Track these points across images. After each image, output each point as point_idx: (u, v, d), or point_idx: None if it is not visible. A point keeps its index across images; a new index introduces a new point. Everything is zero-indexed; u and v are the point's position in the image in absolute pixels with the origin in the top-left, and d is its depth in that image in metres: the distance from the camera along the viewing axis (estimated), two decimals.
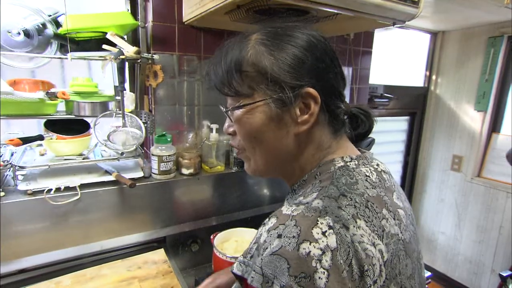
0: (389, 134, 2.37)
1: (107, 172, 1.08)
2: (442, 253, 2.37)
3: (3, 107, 0.89)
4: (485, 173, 2.15)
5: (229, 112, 0.53)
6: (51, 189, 0.94)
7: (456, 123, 2.24)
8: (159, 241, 1.18)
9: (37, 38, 0.94)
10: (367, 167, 0.51)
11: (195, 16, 1.04)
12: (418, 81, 2.40)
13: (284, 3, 0.84)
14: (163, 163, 1.12)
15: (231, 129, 0.57)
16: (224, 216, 1.29)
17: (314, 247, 0.37)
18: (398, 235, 0.45)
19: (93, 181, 1.03)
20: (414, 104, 2.37)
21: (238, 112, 0.52)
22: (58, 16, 1.01)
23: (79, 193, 0.98)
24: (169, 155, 1.12)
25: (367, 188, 0.47)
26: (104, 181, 1.04)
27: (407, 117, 2.42)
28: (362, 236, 0.40)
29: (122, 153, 1.09)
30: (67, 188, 0.97)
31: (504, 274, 1.56)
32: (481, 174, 2.17)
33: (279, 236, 0.39)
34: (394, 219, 0.46)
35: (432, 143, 2.40)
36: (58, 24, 1.00)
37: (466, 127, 2.19)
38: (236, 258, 0.97)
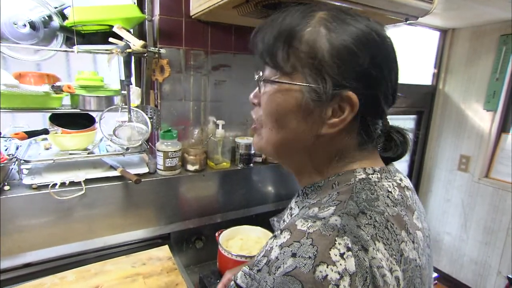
0: None
1: (112, 168, 1.07)
2: (448, 254, 2.35)
3: (8, 100, 0.88)
4: (493, 173, 2.12)
5: (261, 82, 0.49)
6: (56, 184, 0.93)
7: (465, 123, 2.21)
8: (163, 237, 1.17)
9: (43, 31, 0.93)
10: (389, 181, 0.47)
11: (202, 10, 1.02)
12: (426, 79, 2.36)
13: None
14: (168, 159, 1.11)
15: (256, 100, 0.53)
16: (229, 213, 1.27)
17: (332, 271, 0.34)
18: (416, 260, 0.42)
19: (98, 176, 1.02)
20: (421, 103, 2.34)
21: (270, 86, 0.47)
22: (64, 8, 0.99)
23: (84, 188, 0.97)
24: (174, 151, 1.11)
25: (388, 206, 0.43)
26: (109, 177, 1.03)
27: (414, 116, 2.39)
28: (380, 261, 0.37)
29: (127, 148, 1.08)
30: (72, 183, 0.96)
31: None
32: (489, 175, 2.14)
33: (294, 255, 0.36)
34: (413, 242, 0.43)
35: (439, 142, 2.37)
36: (64, 17, 0.99)
37: (474, 126, 2.16)
38: (241, 256, 0.97)
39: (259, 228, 1.13)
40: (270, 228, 1.12)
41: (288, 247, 0.37)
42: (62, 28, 0.96)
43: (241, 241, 1.10)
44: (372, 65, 0.43)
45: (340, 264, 0.34)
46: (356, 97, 0.43)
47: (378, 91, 0.45)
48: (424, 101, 2.35)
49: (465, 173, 2.21)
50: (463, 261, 2.25)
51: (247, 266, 0.40)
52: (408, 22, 1.04)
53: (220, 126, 1.23)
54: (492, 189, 2.08)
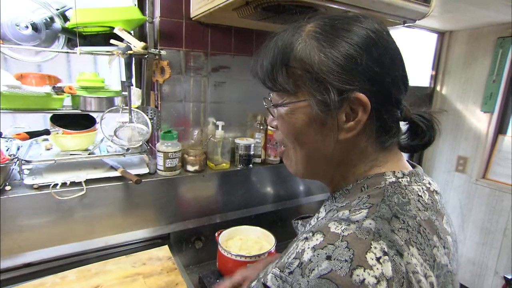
0: None
1: (112, 168, 1.08)
2: None
3: (10, 101, 0.89)
4: (491, 174, 2.14)
5: (271, 108, 0.50)
6: (57, 184, 0.94)
7: (462, 124, 2.22)
8: (163, 237, 1.18)
9: (45, 32, 0.94)
10: (419, 185, 0.47)
11: (203, 12, 1.03)
12: (423, 81, 2.38)
13: (293, 0, 0.83)
14: (168, 160, 1.12)
15: (274, 123, 0.53)
16: (228, 214, 1.28)
17: (369, 275, 0.34)
18: (447, 266, 0.42)
19: (99, 176, 1.03)
20: (419, 104, 2.35)
21: (280, 109, 0.48)
22: (66, 10, 1.00)
23: (85, 188, 0.97)
24: (174, 152, 1.12)
25: (419, 210, 0.43)
26: (109, 177, 1.04)
27: None
28: (415, 266, 0.36)
29: (127, 149, 1.09)
30: (73, 183, 0.97)
31: (509, 277, 1.55)
32: (486, 176, 2.16)
33: (329, 257, 0.36)
34: (444, 247, 0.42)
35: (437, 143, 2.38)
36: (65, 18, 1.00)
37: (472, 128, 2.17)
38: (241, 256, 0.97)
39: (258, 228, 1.14)
40: (269, 228, 1.14)
41: (322, 249, 0.37)
42: (64, 30, 0.96)
43: (240, 241, 1.10)
44: (372, 61, 0.43)
45: (377, 268, 0.34)
46: (365, 97, 0.43)
47: (386, 84, 0.45)
48: (422, 103, 2.36)
49: (463, 174, 2.23)
50: (461, 261, 2.26)
51: (277, 269, 0.40)
52: (406, 24, 1.05)
53: (220, 127, 1.24)
54: (489, 190, 2.10)
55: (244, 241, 1.11)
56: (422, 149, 0.53)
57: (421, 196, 0.45)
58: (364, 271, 0.34)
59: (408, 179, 0.47)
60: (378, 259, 0.35)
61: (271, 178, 1.36)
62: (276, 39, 0.48)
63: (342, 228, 0.38)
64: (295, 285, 0.36)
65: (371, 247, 0.35)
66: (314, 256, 0.37)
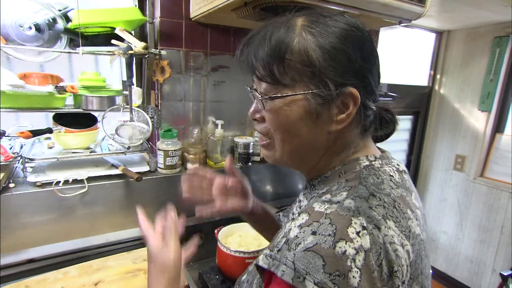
0: None
1: (113, 166, 1.10)
2: (444, 252, 2.38)
3: (14, 100, 0.90)
4: (488, 173, 2.15)
5: (264, 99, 0.50)
6: (60, 181, 0.96)
7: (460, 123, 2.24)
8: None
9: (48, 33, 0.96)
10: (389, 166, 0.51)
11: (202, 13, 1.05)
12: (422, 80, 2.40)
13: (290, 1, 0.85)
14: (168, 158, 1.13)
15: (257, 115, 0.54)
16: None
17: (350, 247, 0.37)
18: (420, 235, 0.46)
19: (100, 174, 1.04)
20: (418, 103, 2.37)
21: (275, 101, 0.48)
22: (68, 11, 1.02)
23: (87, 186, 0.99)
24: (174, 150, 1.14)
25: (392, 188, 0.47)
26: (111, 175, 1.06)
27: (410, 116, 2.42)
28: (392, 237, 0.40)
29: (128, 147, 1.11)
30: (75, 181, 0.99)
31: (505, 274, 1.56)
32: (484, 174, 2.17)
33: (314, 233, 0.39)
34: (416, 219, 0.46)
35: (435, 142, 2.40)
36: (67, 19, 1.02)
37: (469, 127, 2.19)
38: (240, 252, 0.99)
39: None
40: None
41: (308, 226, 0.40)
42: (66, 31, 0.98)
43: (239, 237, 1.12)
44: (362, 58, 0.46)
45: (357, 241, 0.38)
46: (357, 91, 0.46)
47: (371, 80, 0.49)
48: (420, 102, 2.38)
49: (461, 172, 2.24)
50: (459, 259, 2.28)
51: (267, 249, 0.43)
52: (401, 24, 1.07)
53: (219, 126, 1.26)
54: (486, 188, 2.11)
55: (243, 237, 1.12)
56: (385, 138, 0.59)
57: (392, 176, 0.49)
58: (345, 243, 0.38)
59: (380, 162, 0.51)
60: (357, 233, 0.39)
61: (270, 176, 1.38)
62: (272, 30, 0.48)
63: (325, 207, 0.42)
64: (283, 259, 0.39)
65: (351, 223, 0.39)
66: (300, 232, 0.40)
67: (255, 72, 0.50)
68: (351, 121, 0.49)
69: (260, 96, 0.50)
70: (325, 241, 0.38)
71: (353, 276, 0.36)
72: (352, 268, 0.36)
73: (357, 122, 0.51)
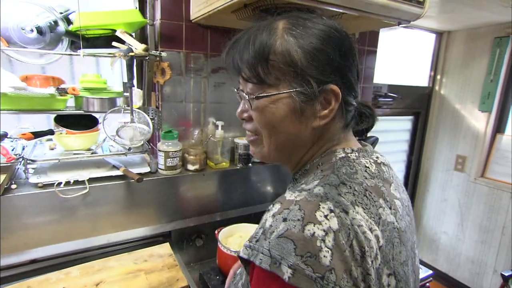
0: (392, 133, 2.38)
1: (114, 167, 1.10)
2: (444, 253, 2.38)
3: (16, 102, 0.91)
4: (489, 173, 2.15)
5: (251, 99, 0.53)
6: (61, 183, 0.97)
7: (460, 123, 2.24)
8: (164, 235, 1.20)
9: (49, 35, 0.97)
10: (367, 159, 0.53)
11: (202, 15, 1.06)
12: (422, 81, 2.40)
13: (290, 2, 0.85)
14: (169, 159, 1.14)
15: (245, 115, 0.57)
16: (228, 212, 1.30)
17: (318, 229, 0.40)
18: (393, 223, 0.48)
19: (101, 175, 1.05)
20: (418, 104, 2.37)
21: (261, 100, 0.51)
22: (69, 14, 1.03)
23: (88, 187, 1.00)
24: (175, 151, 1.14)
25: (366, 178, 0.49)
26: (112, 176, 1.07)
27: (411, 117, 2.42)
28: (360, 221, 0.43)
29: (129, 149, 1.12)
30: (76, 182, 1.00)
31: (506, 274, 1.56)
32: (485, 175, 2.17)
33: (285, 220, 0.42)
34: (390, 208, 0.49)
35: (436, 143, 2.40)
36: (69, 22, 1.03)
37: (470, 127, 2.19)
38: None
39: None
40: None
41: (280, 214, 0.43)
42: (67, 33, 0.99)
43: (240, 238, 1.12)
44: (341, 57, 0.50)
45: (325, 223, 0.40)
46: (338, 88, 0.49)
47: (351, 77, 0.52)
48: (420, 103, 2.38)
49: (462, 173, 2.24)
50: (460, 260, 2.28)
51: (248, 241, 0.45)
52: (401, 25, 1.07)
53: (220, 127, 1.26)
54: (487, 189, 2.11)
55: (243, 238, 1.13)
56: (366, 132, 0.62)
57: (368, 167, 0.52)
58: (314, 226, 0.40)
59: (357, 154, 0.54)
60: (325, 216, 0.41)
61: (270, 177, 1.38)
62: (255, 33, 0.51)
63: (296, 195, 0.45)
64: (260, 249, 0.42)
65: (319, 207, 0.42)
66: (273, 221, 0.43)
67: (241, 73, 0.53)
68: (333, 117, 0.52)
69: (246, 96, 0.53)
70: (295, 226, 0.40)
71: (324, 256, 0.38)
72: (322, 248, 0.39)
73: (339, 117, 0.54)
